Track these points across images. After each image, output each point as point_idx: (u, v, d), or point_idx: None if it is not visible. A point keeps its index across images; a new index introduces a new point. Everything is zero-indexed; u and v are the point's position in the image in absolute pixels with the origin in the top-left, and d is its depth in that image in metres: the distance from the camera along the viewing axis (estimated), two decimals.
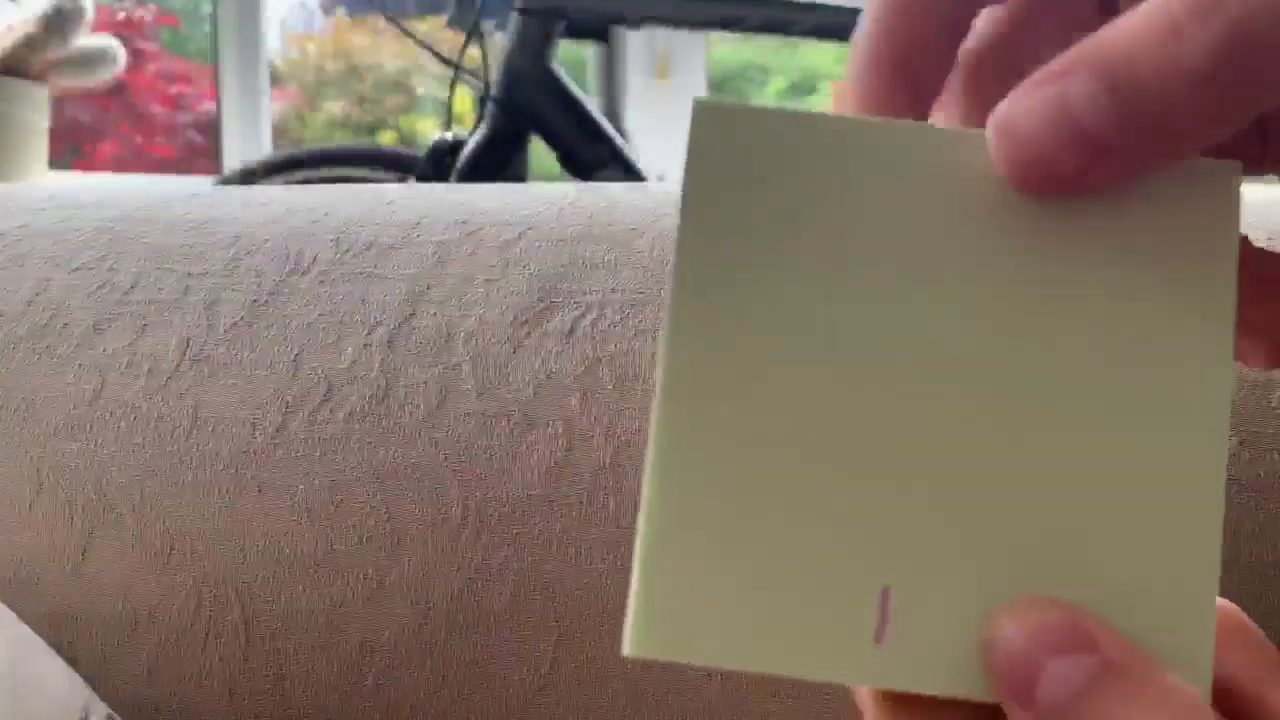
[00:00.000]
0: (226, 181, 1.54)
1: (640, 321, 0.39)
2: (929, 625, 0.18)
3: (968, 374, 0.18)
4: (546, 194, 0.44)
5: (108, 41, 1.15)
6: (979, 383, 0.18)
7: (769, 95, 2.89)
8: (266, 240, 0.43)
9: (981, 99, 0.21)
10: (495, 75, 1.49)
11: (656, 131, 2.43)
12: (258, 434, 0.39)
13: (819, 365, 0.18)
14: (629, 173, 1.53)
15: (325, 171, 1.53)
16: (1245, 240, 0.19)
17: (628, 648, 0.18)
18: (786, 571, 0.18)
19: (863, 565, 0.18)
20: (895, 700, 0.19)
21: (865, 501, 0.18)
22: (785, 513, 0.18)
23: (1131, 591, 0.18)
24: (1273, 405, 0.35)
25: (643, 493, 0.18)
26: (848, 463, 0.18)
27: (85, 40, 1.12)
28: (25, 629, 0.38)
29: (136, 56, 2.16)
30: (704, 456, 0.18)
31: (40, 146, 1.14)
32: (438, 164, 1.49)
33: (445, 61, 1.54)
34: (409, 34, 1.60)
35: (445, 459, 0.38)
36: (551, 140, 1.52)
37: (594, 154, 1.52)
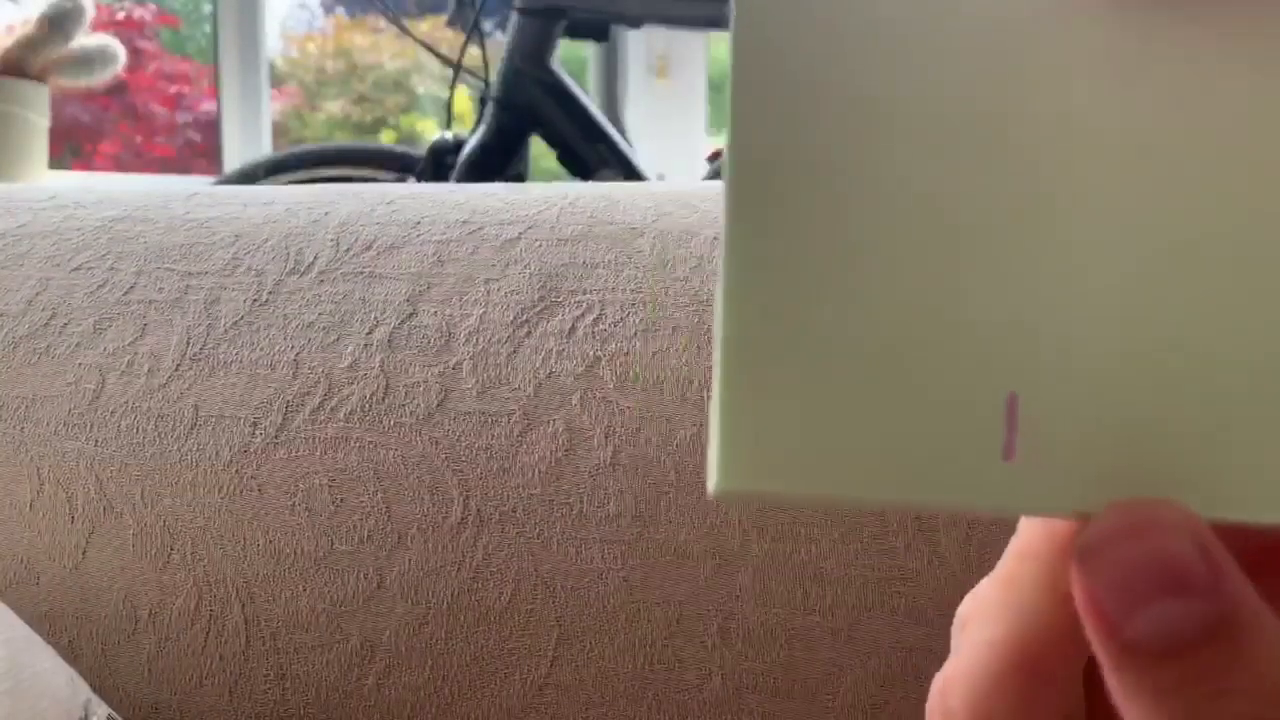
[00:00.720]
0: (227, 181, 1.54)
1: (640, 321, 0.39)
2: (1065, 436, 0.15)
3: (1090, 147, 0.15)
4: (547, 194, 0.44)
5: (108, 41, 1.16)
6: (1104, 158, 0.15)
7: None
8: (267, 240, 0.44)
9: None
10: (495, 75, 1.49)
11: (656, 131, 2.43)
12: (258, 433, 0.39)
13: (907, 141, 0.15)
14: (629, 173, 1.53)
15: (325, 171, 1.53)
16: None
17: (714, 485, 0.15)
18: (892, 382, 0.15)
19: (983, 371, 0.15)
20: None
21: (979, 296, 0.15)
22: (886, 313, 0.15)
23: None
24: None
25: (717, 298, 0.15)
26: (952, 251, 0.15)
27: (85, 40, 1.12)
28: (25, 628, 0.38)
29: (136, 56, 2.16)
30: (784, 249, 0.15)
31: (40, 146, 1.14)
32: (438, 164, 1.49)
33: (445, 61, 1.54)
34: (409, 34, 1.60)
35: (445, 458, 0.38)
36: (551, 140, 1.52)
37: (594, 154, 1.52)
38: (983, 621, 0.18)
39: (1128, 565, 0.14)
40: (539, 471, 0.38)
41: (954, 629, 0.19)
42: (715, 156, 1.82)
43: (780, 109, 0.16)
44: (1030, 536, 0.17)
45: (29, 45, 1.07)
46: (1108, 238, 0.15)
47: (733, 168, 0.15)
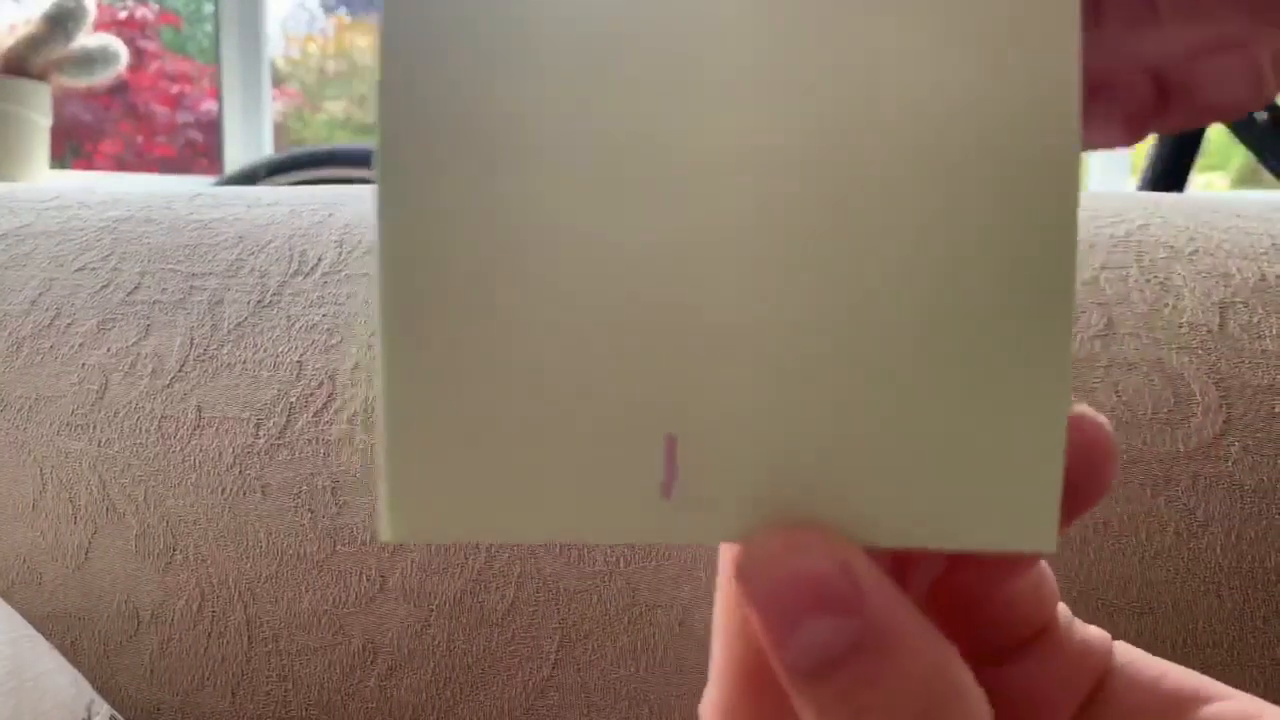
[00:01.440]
0: (228, 181, 1.54)
1: None
2: (721, 473, 0.15)
3: (740, 167, 0.15)
4: None
5: (109, 40, 1.15)
6: (757, 176, 0.15)
7: None
8: (270, 241, 0.44)
9: None
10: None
11: None
12: (261, 434, 0.39)
13: (556, 173, 0.15)
14: None
15: (327, 172, 1.53)
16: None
17: (384, 533, 0.15)
18: (554, 430, 0.15)
19: (641, 414, 0.15)
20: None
21: (636, 340, 0.15)
22: (546, 361, 0.15)
23: (960, 428, 0.15)
24: (1276, 411, 0.35)
25: (378, 347, 0.15)
26: (608, 294, 0.15)
27: (87, 39, 1.12)
28: (29, 628, 0.38)
29: (138, 56, 2.16)
30: (440, 309, 0.15)
31: (42, 145, 1.14)
32: None
33: None
34: None
35: None
36: None
37: None
38: (714, 643, 0.19)
39: (778, 587, 0.15)
40: None
41: None
42: None
43: (420, 175, 0.15)
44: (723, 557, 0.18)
45: (31, 44, 1.07)
46: (752, 273, 0.15)
47: (379, 201, 0.15)
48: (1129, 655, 0.19)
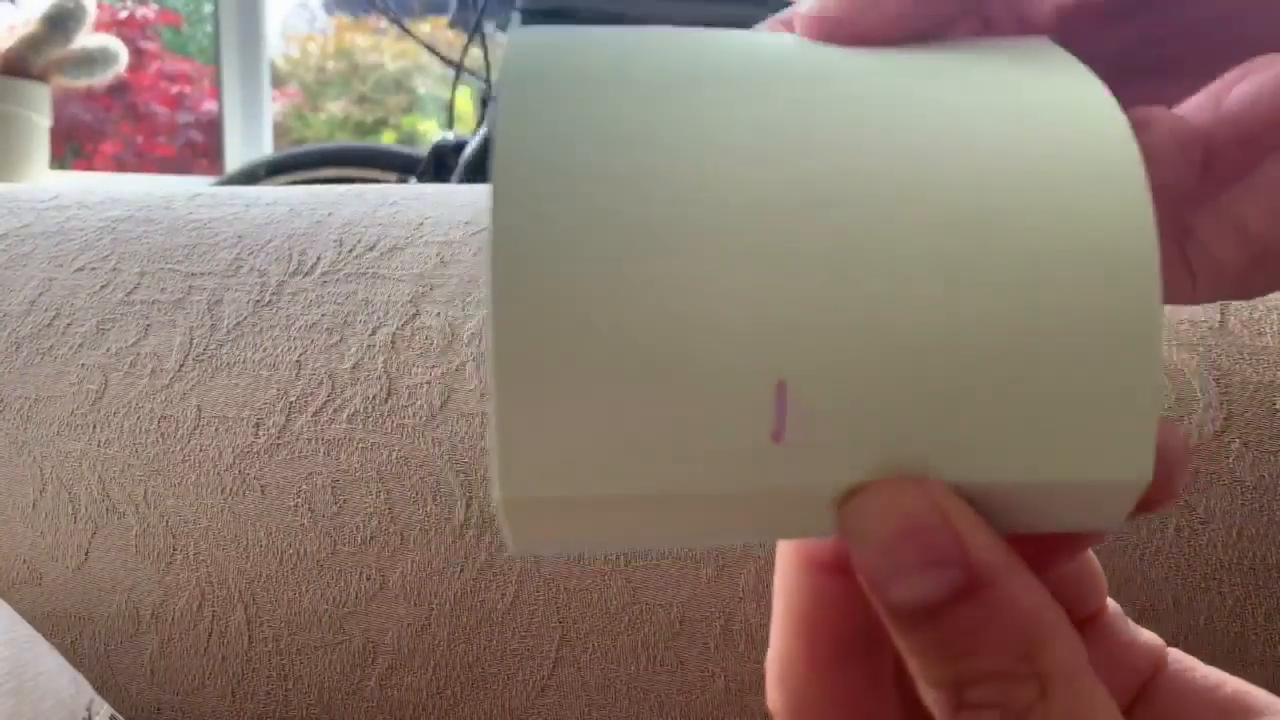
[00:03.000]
0: (228, 181, 1.54)
1: None
2: (831, 420, 0.15)
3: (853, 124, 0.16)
4: None
5: (109, 41, 1.15)
6: (866, 132, 0.16)
7: None
8: (270, 240, 0.43)
9: None
10: (497, 75, 1.49)
11: None
12: (261, 434, 0.39)
13: (668, 125, 0.16)
14: None
15: (326, 172, 1.53)
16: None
17: (499, 493, 0.15)
18: (663, 379, 0.15)
19: (751, 363, 0.15)
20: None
21: (745, 285, 0.15)
22: (654, 309, 0.15)
23: (1065, 373, 0.15)
24: (1277, 407, 0.35)
25: (486, 313, 0.16)
26: (717, 238, 0.15)
27: (87, 40, 1.12)
28: (29, 628, 0.38)
29: (138, 56, 2.16)
30: (546, 262, 0.15)
31: (42, 146, 1.14)
32: (439, 164, 1.49)
33: (447, 62, 1.54)
34: (411, 34, 1.60)
35: (448, 459, 0.38)
36: None
37: None
38: (774, 600, 0.20)
39: (883, 539, 0.16)
40: None
41: None
42: None
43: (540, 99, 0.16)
44: None
45: (30, 45, 1.07)
46: (858, 217, 0.16)
47: (494, 172, 0.15)
48: (1185, 662, 0.20)
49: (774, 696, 0.20)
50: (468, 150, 1.48)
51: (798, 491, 0.16)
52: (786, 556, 0.20)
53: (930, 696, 0.16)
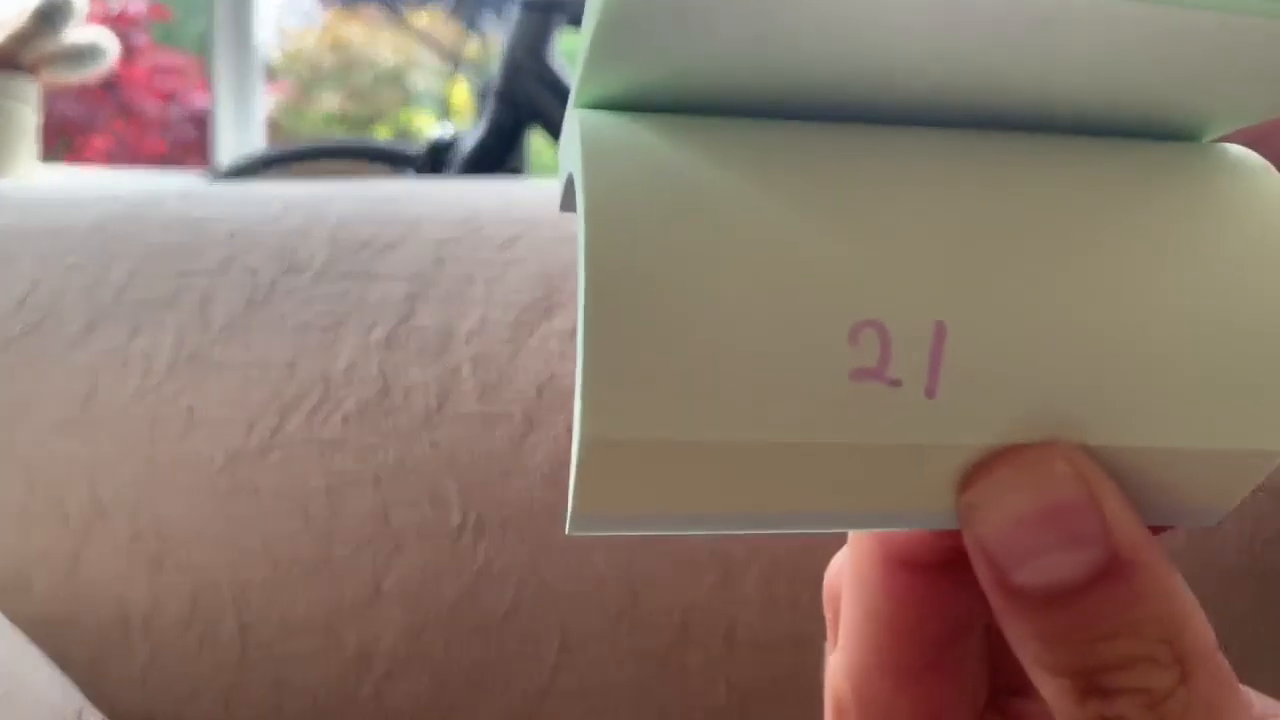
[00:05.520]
0: (220, 177, 1.53)
1: None
2: (988, 368, 0.15)
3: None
4: (549, 191, 0.44)
5: (99, 35, 1.14)
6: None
7: None
8: (262, 238, 0.43)
9: None
10: (496, 68, 1.48)
11: None
12: (253, 436, 0.39)
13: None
14: None
15: (320, 167, 1.52)
16: None
17: (585, 431, 0.14)
18: (753, 325, 0.14)
19: (908, 300, 0.14)
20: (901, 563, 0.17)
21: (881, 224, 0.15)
22: (750, 251, 0.14)
23: (1204, 350, 0.15)
24: None
25: (580, 252, 0.15)
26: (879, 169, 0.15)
27: (77, 34, 1.11)
28: (19, 635, 0.37)
29: (129, 51, 2.15)
30: (641, 203, 0.15)
31: (31, 141, 1.13)
32: (436, 159, 1.49)
33: (444, 55, 1.54)
34: (408, 27, 1.60)
35: (445, 462, 0.38)
36: (553, 133, 1.51)
37: None
38: (846, 603, 0.19)
39: (1017, 516, 0.14)
40: (540, 475, 0.37)
41: (824, 603, 0.20)
42: None
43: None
44: None
45: (20, 39, 1.06)
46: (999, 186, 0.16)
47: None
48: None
49: (848, 715, 0.19)
50: (467, 144, 1.47)
51: (926, 451, 0.15)
52: (867, 555, 0.18)
53: (1051, 685, 0.15)
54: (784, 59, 0.15)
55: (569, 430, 0.37)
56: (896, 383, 0.14)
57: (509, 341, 0.39)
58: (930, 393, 0.14)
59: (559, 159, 0.17)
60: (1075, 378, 0.15)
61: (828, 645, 0.21)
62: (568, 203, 0.17)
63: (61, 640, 0.39)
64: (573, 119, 0.16)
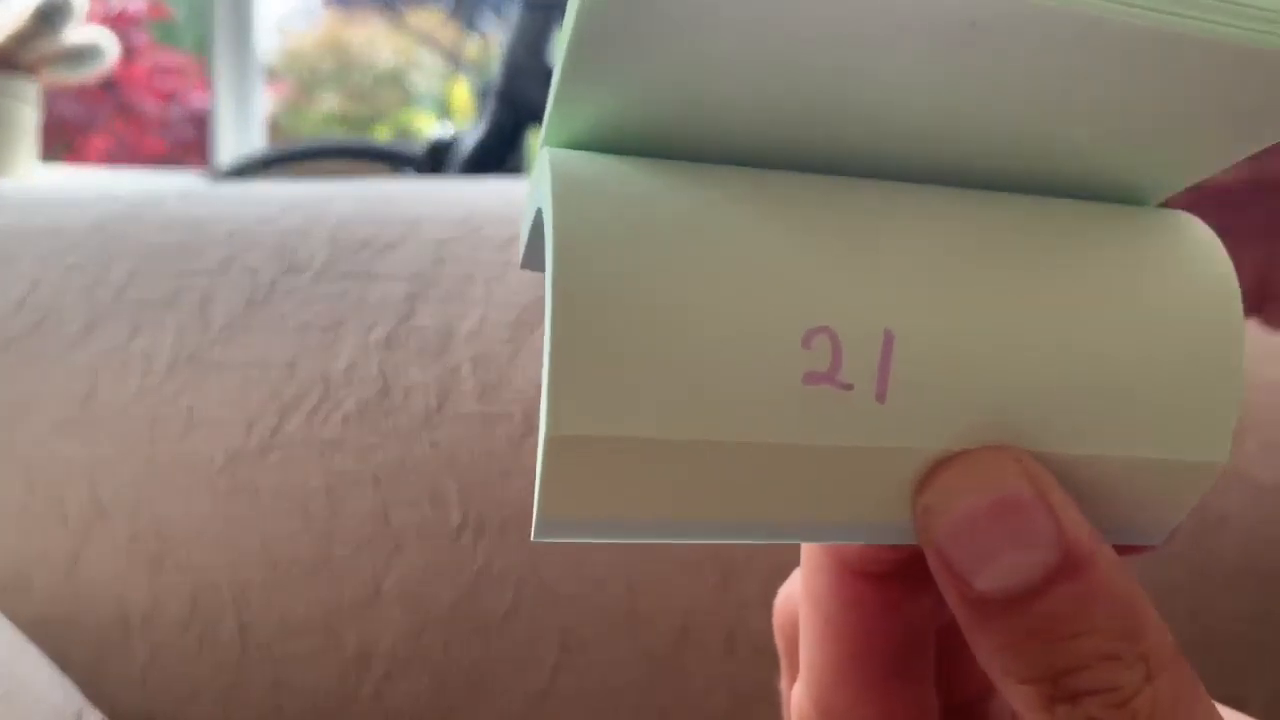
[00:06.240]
0: (220, 177, 1.53)
1: None
2: (936, 376, 0.15)
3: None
4: None
5: (99, 35, 1.14)
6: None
7: None
8: (262, 238, 0.43)
9: None
10: (496, 68, 1.48)
11: None
12: (253, 436, 0.39)
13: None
14: None
15: (320, 167, 1.52)
16: None
17: (549, 430, 0.14)
18: (717, 324, 0.15)
19: (858, 307, 0.15)
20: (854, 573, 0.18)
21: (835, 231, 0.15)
22: (716, 251, 0.15)
23: (1152, 360, 0.16)
24: None
25: (548, 247, 0.15)
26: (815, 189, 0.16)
27: (77, 34, 1.11)
28: (19, 635, 0.37)
29: (129, 51, 2.15)
30: (605, 200, 0.15)
31: (30, 141, 1.13)
32: (435, 159, 1.48)
33: (444, 54, 1.53)
34: (408, 27, 1.59)
35: (445, 462, 0.38)
36: None
37: None
38: (803, 622, 0.19)
39: (971, 516, 0.15)
40: None
41: (776, 633, 0.20)
42: None
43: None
44: None
45: (20, 39, 1.06)
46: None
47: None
48: None
49: None
50: (468, 144, 1.47)
51: (879, 454, 0.15)
52: (820, 570, 0.18)
53: (1019, 695, 0.15)
54: (730, 102, 0.16)
55: None
56: (848, 386, 0.15)
57: (509, 341, 0.39)
58: (880, 397, 0.15)
59: (526, 203, 0.18)
60: (1024, 389, 0.15)
61: (782, 681, 0.22)
62: (530, 258, 0.17)
63: (61, 640, 0.39)
64: (543, 156, 0.16)
